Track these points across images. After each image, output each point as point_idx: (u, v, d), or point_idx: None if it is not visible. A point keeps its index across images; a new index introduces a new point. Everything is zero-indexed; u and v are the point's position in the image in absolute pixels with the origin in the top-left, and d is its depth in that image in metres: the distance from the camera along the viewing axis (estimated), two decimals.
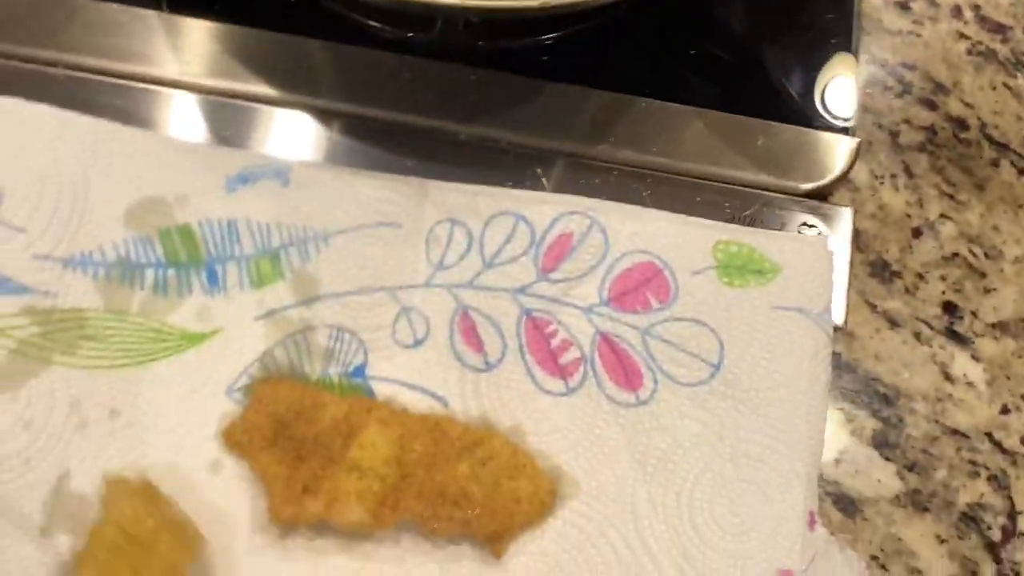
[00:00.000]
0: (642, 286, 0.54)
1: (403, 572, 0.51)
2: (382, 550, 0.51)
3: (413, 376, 0.53)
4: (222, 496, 0.51)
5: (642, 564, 0.50)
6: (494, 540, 0.51)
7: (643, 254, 0.54)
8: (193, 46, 0.60)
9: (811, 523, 0.51)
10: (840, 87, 0.63)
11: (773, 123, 0.61)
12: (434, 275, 0.54)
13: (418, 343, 0.53)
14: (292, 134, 0.58)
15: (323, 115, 0.59)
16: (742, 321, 0.54)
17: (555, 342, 0.53)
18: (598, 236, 0.54)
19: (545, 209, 0.55)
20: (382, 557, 0.51)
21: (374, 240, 0.54)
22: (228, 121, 0.58)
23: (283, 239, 0.54)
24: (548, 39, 0.62)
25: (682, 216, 0.56)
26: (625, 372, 0.53)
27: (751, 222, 0.58)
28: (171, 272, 0.53)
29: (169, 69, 0.59)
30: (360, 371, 0.53)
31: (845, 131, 0.61)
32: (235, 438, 0.51)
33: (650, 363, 0.53)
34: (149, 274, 0.53)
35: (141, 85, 0.58)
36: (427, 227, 0.55)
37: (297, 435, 0.51)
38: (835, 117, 0.62)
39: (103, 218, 0.53)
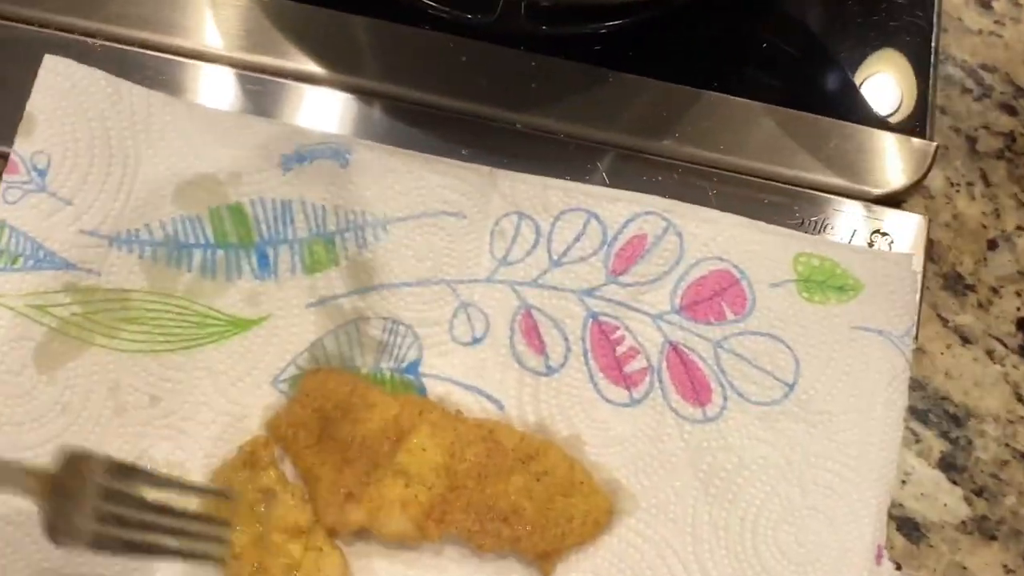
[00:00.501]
0: (717, 295, 0.49)
1: None
2: (424, 558, 0.47)
3: (469, 376, 0.49)
4: None
5: None
6: (543, 559, 0.47)
7: (719, 261, 0.50)
8: (237, 19, 0.55)
9: (878, 557, 0.47)
10: (917, 89, 0.58)
11: (846, 123, 0.55)
12: (497, 270, 0.49)
13: (476, 341, 0.49)
14: (338, 115, 0.53)
15: (371, 97, 0.54)
16: (820, 340, 0.49)
17: (621, 349, 0.49)
18: (673, 240, 0.50)
19: (619, 208, 0.50)
20: (424, 565, 0.47)
21: (436, 230, 0.49)
22: (271, 98, 0.53)
23: (339, 223, 0.49)
24: (613, 27, 0.57)
25: (760, 223, 0.51)
26: (693, 386, 0.49)
27: (821, 227, 0.53)
28: (220, 254, 0.49)
29: (211, 42, 0.54)
30: (413, 367, 0.48)
31: (921, 135, 0.56)
32: (279, 432, 0.47)
33: (721, 378, 0.48)
34: (197, 255, 0.49)
35: (180, 58, 0.53)
36: (493, 219, 0.50)
37: (343, 435, 0.47)
38: (911, 120, 0.57)
39: (152, 195, 0.49)
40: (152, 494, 0.42)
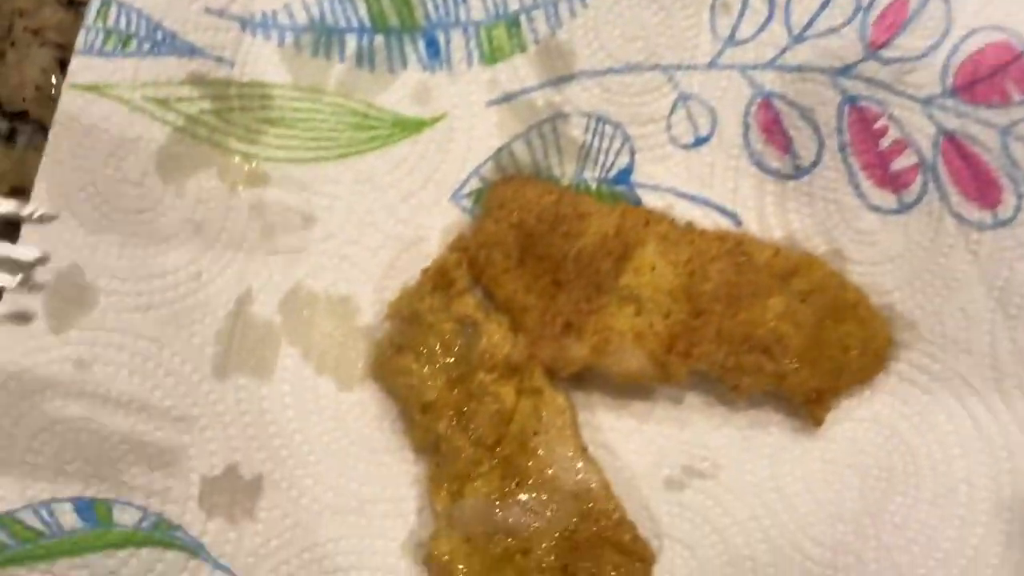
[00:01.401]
0: (998, 72, 0.38)
1: (689, 439, 0.37)
2: (659, 409, 0.37)
3: (693, 184, 0.38)
4: None
5: (1008, 433, 0.36)
6: (814, 402, 0.36)
7: (997, 31, 0.38)
8: None
9: None
10: None
11: None
12: (722, 52, 0.38)
13: (700, 141, 0.38)
14: None
15: None
16: None
17: (886, 142, 0.37)
18: (938, 6, 0.38)
19: None
20: (660, 418, 0.37)
21: (647, 2, 0.38)
22: None
23: None
24: None
25: None
26: (978, 183, 0.37)
27: None
28: (379, 39, 0.38)
29: None
30: (624, 176, 0.37)
31: None
32: (468, 255, 0.35)
33: (1011, 171, 0.37)
34: (351, 42, 0.38)
35: None
36: None
37: (553, 253, 0.35)
38: None
39: None
40: None
